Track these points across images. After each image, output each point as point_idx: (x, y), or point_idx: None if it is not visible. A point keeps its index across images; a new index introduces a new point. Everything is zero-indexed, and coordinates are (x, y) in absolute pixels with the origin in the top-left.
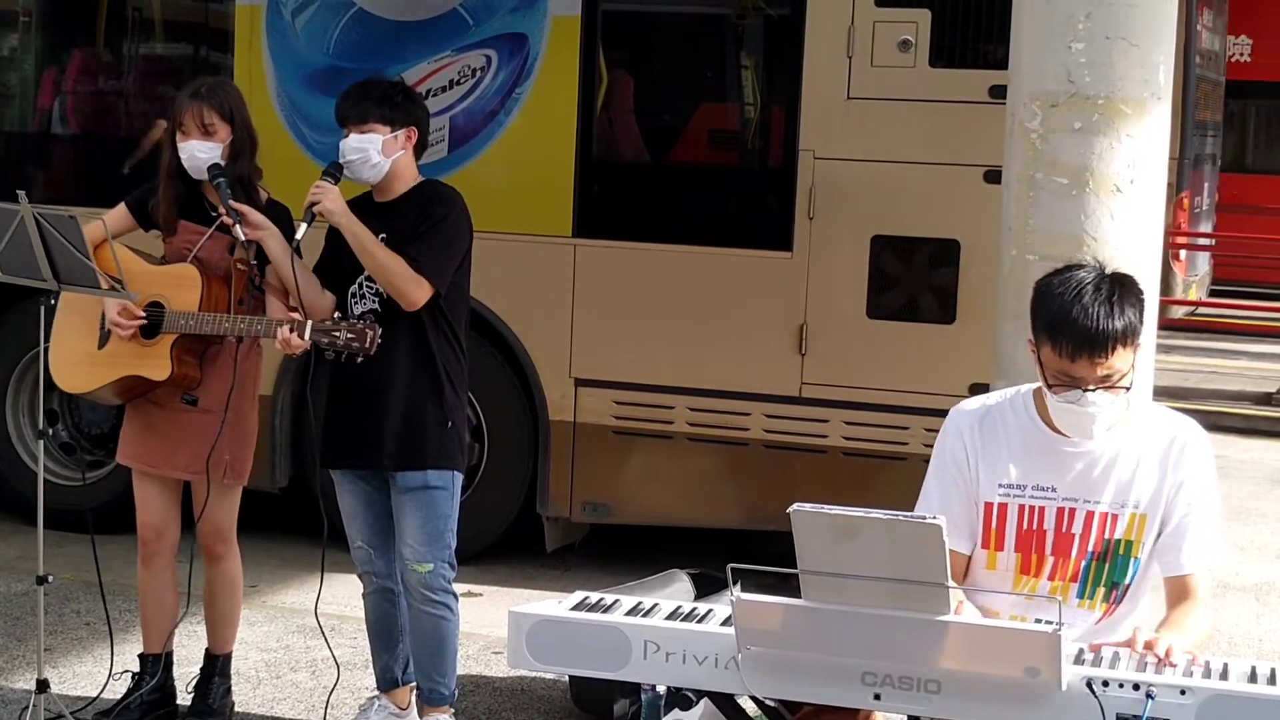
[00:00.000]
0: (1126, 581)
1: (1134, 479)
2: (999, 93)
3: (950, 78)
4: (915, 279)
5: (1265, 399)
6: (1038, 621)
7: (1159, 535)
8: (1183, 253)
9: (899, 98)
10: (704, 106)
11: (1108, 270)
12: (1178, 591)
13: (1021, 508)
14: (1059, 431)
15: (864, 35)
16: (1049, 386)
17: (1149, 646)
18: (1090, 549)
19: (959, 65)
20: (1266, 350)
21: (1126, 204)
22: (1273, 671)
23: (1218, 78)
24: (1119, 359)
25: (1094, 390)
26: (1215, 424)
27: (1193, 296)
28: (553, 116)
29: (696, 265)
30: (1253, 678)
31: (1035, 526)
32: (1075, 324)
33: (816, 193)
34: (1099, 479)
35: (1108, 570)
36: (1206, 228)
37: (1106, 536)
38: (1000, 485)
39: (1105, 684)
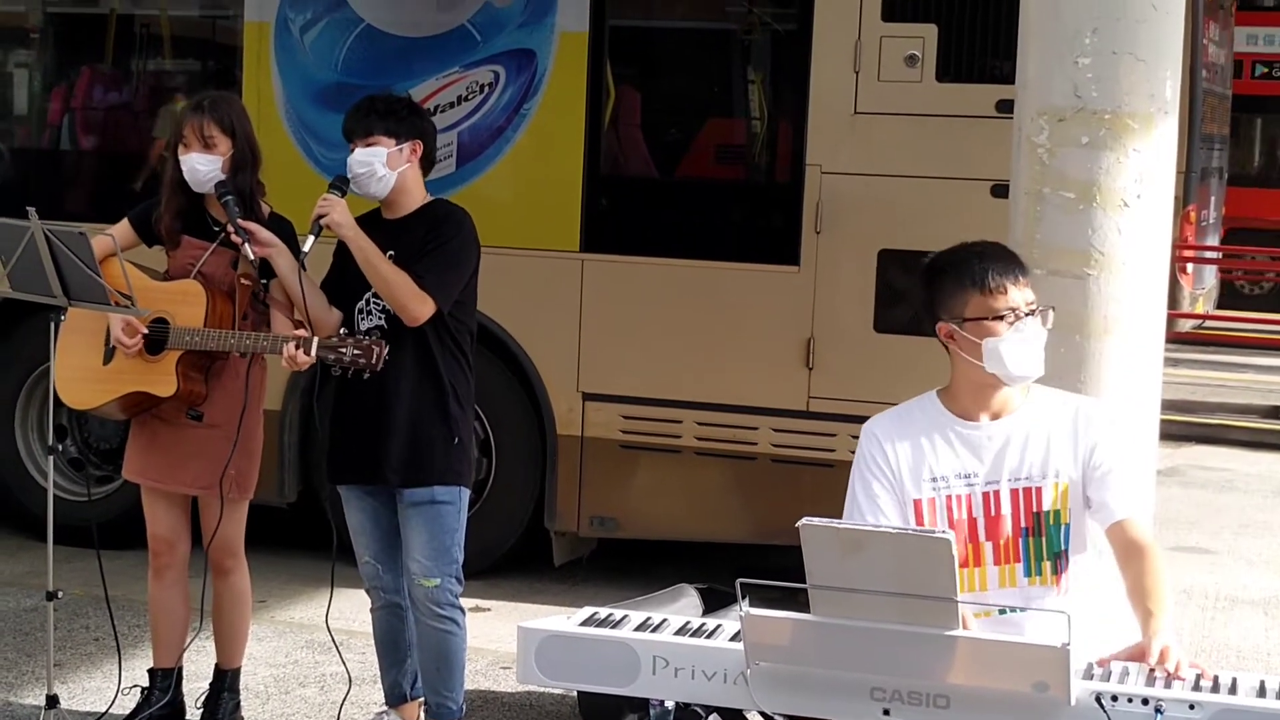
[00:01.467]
0: (1063, 549)
1: (1049, 450)
2: (1006, 107)
3: (957, 92)
4: None
5: (1273, 412)
6: (1003, 612)
7: (1089, 502)
8: (1190, 266)
9: (906, 112)
10: (711, 121)
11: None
12: (1123, 543)
13: (949, 498)
14: (967, 417)
15: (871, 50)
16: (981, 325)
17: (1161, 661)
18: (1023, 525)
19: (966, 80)
20: (1274, 363)
21: (1134, 218)
22: None
23: (1224, 91)
24: (1030, 288)
25: (1027, 317)
26: (1223, 437)
27: (1200, 310)
28: (560, 132)
29: (704, 280)
30: (1261, 692)
31: (965, 515)
32: (986, 255)
33: (823, 207)
34: (1015, 456)
35: (1045, 543)
36: (1213, 241)
37: (1035, 510)
38: (924, 480)
39: (1114, 699)
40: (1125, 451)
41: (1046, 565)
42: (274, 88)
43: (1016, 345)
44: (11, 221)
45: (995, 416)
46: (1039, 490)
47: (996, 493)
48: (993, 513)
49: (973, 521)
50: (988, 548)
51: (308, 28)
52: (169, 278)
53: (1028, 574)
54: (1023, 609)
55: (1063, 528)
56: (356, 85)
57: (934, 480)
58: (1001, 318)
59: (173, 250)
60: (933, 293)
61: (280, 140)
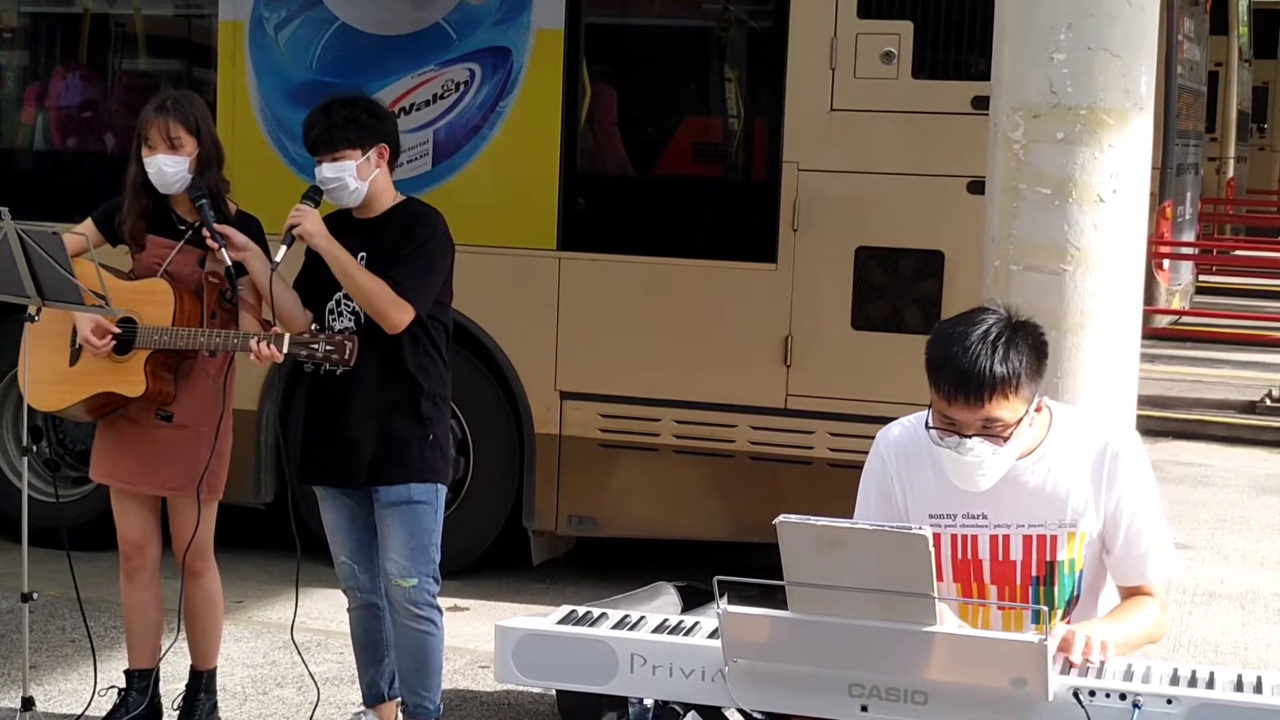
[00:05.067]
0: (1075, 594)
1: (1068, 497)
2: (981, 104)
3: (933, 89)
4: (900, 290)
5: (1249, 407)
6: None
7: (1108, 550)
8: (1166, 262)
9: (882, 109)
10: (688, 119)
11: (1014, 318)
12: (1133, 596)
13: (954, 537)
14: None
15: (847, 47)
16: (929, 429)
17: (1065, 642)
18: (1034, 574)
19: (941, 76)
20: (1250, 359)
21: (1109, 214)
22: (1258, 679)
23: (1199, 88)
24: (1000, 407)
25: (973, 437)
26: (1199, 432)
27: (1176, 305)
28: (536, 130)
29: (681, 278)
30: (1239, 686)
31: (970, 556)
32: (953, 364)
33: (800, 205)
34: (1030, 501)
35: (1056, 592)
36: (1189, 237)
37: (1048, 559)
38: (930, 515)
39: (1092, 694)
40: (1151, 500)
41: (1056, 614)
42: (249, 87)
43: (953, 460)
44: None
45: None
46: (1054, 539)
47: (1006, 537)
48: (1000, 557)
49: (978, 563)
50: (992, 591)
51: (282, 26)
52: (135, 277)
53: (1035, 621)
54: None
55: (1077, 574)
56: (332, 84)
57: (940, 516)
58: (946, 427)
59: (138, 250)
60: (927, 343)
61: (255, 139)
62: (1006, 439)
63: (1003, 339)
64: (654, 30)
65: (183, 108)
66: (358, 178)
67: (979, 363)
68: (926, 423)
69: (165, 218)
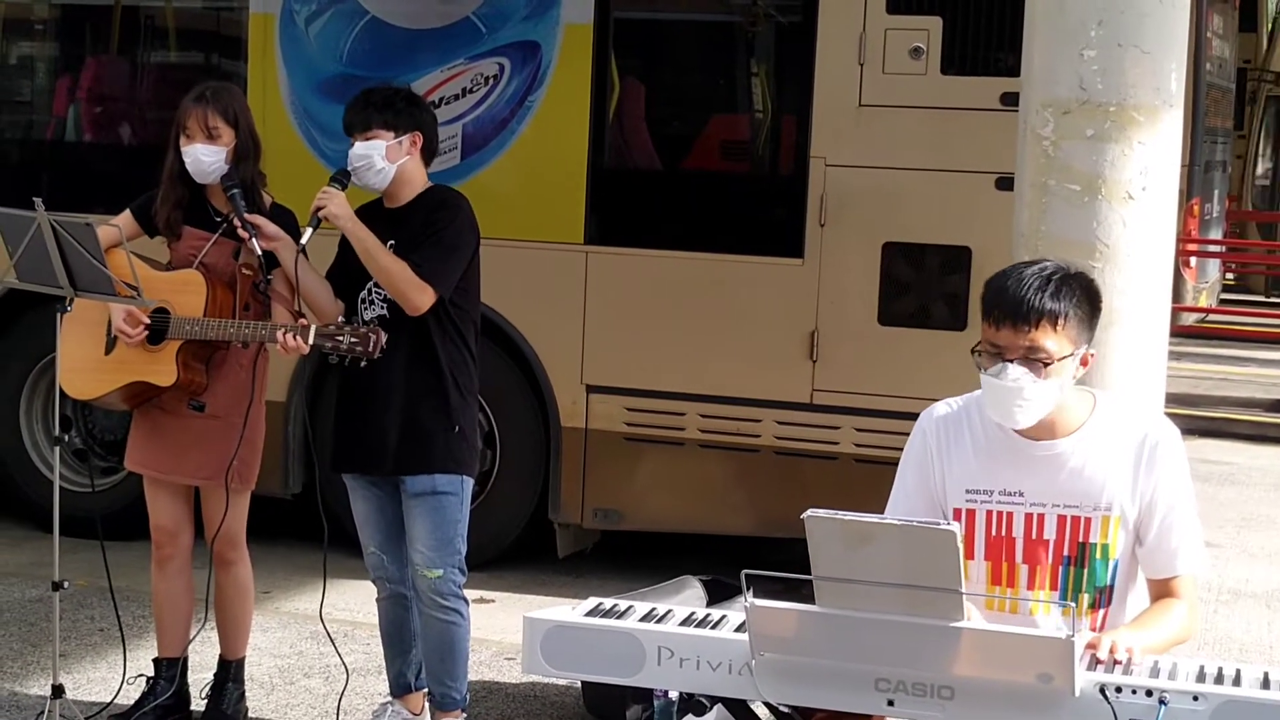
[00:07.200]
0: (1108, 584)
1: (1106, 481)
2: (1011, 100)
3: (962, 85)
4: (926, 286)
5: (1275, 405)
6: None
7: (1140, 541)
8: (1193, 259)
9: (910, 105)
10: (715, 114)
11: (1073, 268)
12: (1162, 593)
13: (989, 513)
14: (1025, 434)
15: (875, 42)
16: (976, 361)
17: (1091, 646)
18: (1066, 554)
19: (970, 72)
20: (1277, 357)
21: (1138, 211)
22: None
23: (1227, 85)
24: (1046, 337)
25: (1015, 362)
26: (1226, 430)
27: (1203, 303)
28: (565, 124)
29: (708, 272)
30: (1265, 684)
31: (1004, 533)
32: (1006, 292)
33: (828, 200)
34: (1068, 481)
35: (1086, 575)
36: (1216, 235)
37: (1081, 540)
38: (966, 491)
39: (1118, 690)
40: (1187, 495)
41: (1084, 598)
42: (279, 79)
43: (993, 389)
44: (17, 212)
45: (1052, 433)
46: (1088, 521)
47: (1041, 516)
48: (1034, 535)
49: (1011, 541)
50: (1023, 570)
51: (313, 19)
52: (171, 268)
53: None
54: (1023, 599)
55: (1110, 563)
56: (361, 77)
57: (976, 492)
58: (991, 353)
59: (174, 241)
60: (981, 293)
61: (285, 132)
62: (1048, 370)
63: (1057, 277)
64: (682, 25)
65: (221, 99)
66: (386, 159)
67: (1029, 293)
68: (973, 349)
69: (202, 209)
